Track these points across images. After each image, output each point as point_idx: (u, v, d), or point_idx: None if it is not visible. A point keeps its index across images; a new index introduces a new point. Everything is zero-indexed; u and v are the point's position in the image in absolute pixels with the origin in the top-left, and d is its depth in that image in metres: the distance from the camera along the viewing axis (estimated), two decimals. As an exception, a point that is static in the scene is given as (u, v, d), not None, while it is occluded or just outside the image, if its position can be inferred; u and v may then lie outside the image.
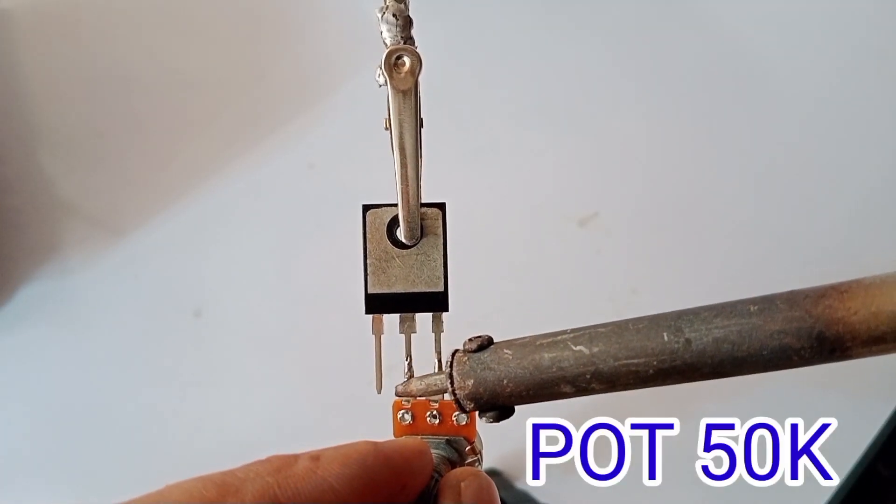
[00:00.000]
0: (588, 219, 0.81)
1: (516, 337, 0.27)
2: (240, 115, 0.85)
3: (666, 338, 0.23)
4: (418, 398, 0.28)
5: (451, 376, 0.27)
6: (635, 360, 0.24)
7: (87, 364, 0.79)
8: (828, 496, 0.62)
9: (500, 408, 0.27)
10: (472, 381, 0.26)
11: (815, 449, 0.72)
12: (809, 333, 0.22)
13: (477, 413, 0.27)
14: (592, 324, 0.26)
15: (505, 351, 0.26)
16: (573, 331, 0.26)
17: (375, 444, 0.22)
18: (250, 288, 0.81)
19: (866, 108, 0.84)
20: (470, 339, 0.27)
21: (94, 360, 0.79)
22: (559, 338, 0.25)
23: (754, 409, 0.76)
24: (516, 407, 0.27)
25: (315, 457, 0.21)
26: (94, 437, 0.77)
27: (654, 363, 0.23)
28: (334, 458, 0.21)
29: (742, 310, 0.23)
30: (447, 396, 0.27)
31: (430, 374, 0.28)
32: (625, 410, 0.76)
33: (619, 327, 0.25)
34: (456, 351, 0.27)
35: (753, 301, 0.23)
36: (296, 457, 0.21)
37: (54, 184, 0.83)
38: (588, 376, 0.25)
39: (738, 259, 0.78)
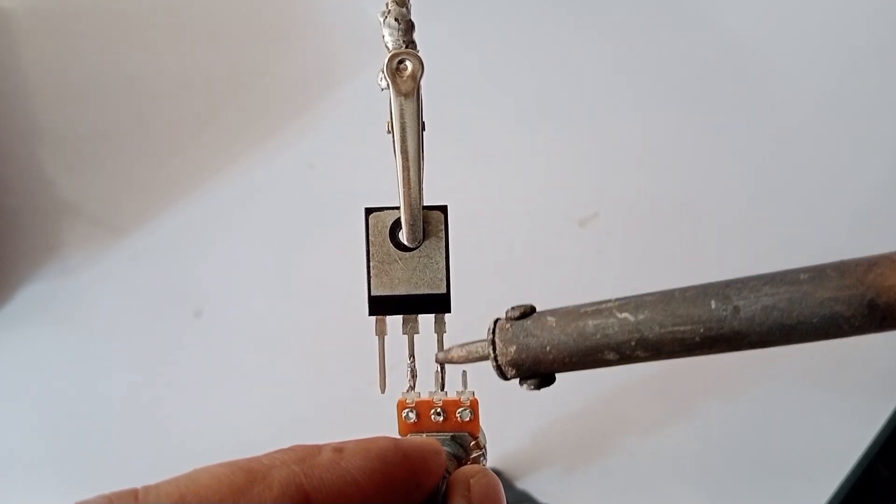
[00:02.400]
0: (588, 219, 0.81)
1: (559, 307, 0.27)
2: (240, 115, 0.85)
3: (714, 305, 0.23)
4: (459, 363, 0.28)
5: (493, 343, 0.27)
6: (681, 328, 0.24)
7: (87, 364, 0.79)
8: (828, 496, 0.62)
9: (541, 375, 0.27)
10: (514, 347, 0.26)
11: (814, 449, 0.73)
12: (861, 301, 0.22)
13: (518, 381, 0.27)
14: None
15: (548, 318, 0.26)
16: (618, 299, 0.25)
17: (395, 440, 0.22)
18: (250, 288, 0.81)
19: (866, 107, 0.84)
20: (512, 308, 0.27)
21: (95, 360, 0.79)
22: (604, 306, 0.25)
23: (755, 408, 0.76)
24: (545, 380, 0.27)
25: (338, 448, 0.21)
26: (94, 437, 0.77)
27: (701, 330, 0.24)
28: (356, 450, 0.21)
29: (792, 278, 0.22)
30: (489, 364, 0.27)
31: (472, 342, 0.28)
32: (627, 410, 0.76)
33: (666, 295, 0.25)
34: (498, 319, 0.27)
35: (804, 270, 0.23)
36: (319, 447, 0.21)
37: (54, 184, 0.83)
38: (633, 343, 0.25)
39: (739, 258, 0.78)
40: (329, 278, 0.79)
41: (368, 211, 0.29)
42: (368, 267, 0.29)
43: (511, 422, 0.75)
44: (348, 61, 0.86)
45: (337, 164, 0.83)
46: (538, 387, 0.27)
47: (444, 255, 0.29)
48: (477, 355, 0.28)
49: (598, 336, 0.25)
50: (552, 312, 0.26)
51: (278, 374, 0.78)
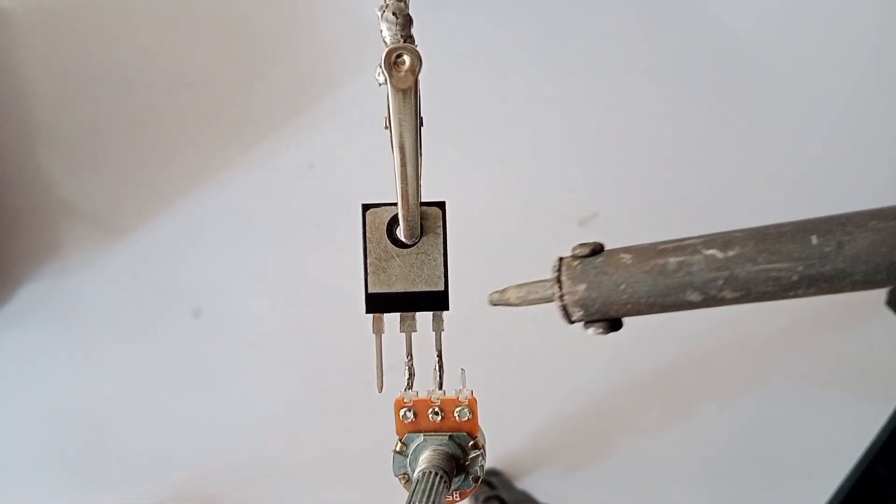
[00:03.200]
0: (588, 219, 0.81)
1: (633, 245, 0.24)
2: (240, 115, 0.85)
3: (815, 241, 0.21)
4: (516, 305, 0.26)
5: (558, 281, 0.24)
6: (777, 265, 0.22)
7: (86, 364, 0.79)
8: (828, 496, 0.62)
9: (609, 319, 0.25)
10: (584, 285, 0.24)
11: (814, 449, 0.73)
12: None
13: (583, 325, 0.25)
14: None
15: (622, 255, 0.24)
16: (701, 236, 0.23)
17: None
18: (250, 288, 0.81)
19: (869, 106, 0.84)
20: (581, 244, 0.25)
21: (94, 360, 0.79)
22: (686, 242, 0.23)
23: (755, 408, 0.76)
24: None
25: None
26: (93, 437, 0.77)
27: (800, 268, 0.21)
28: None
29: None
30: (554, 305, 0.24)
31: (533, 281, 0.26)
32: (627, 410, 0.76)
33: (758, 231, 0.22)
34: (563, 257, 0.25)
35: None
36: None
37: (54, 184, 0.83)
38: (720, 282, 0.22)
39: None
40: (329, 278, 0.79)
41: (365, 207, 0.29)
42: (365, 264, 0.29)
43: (511, 422, 0.75)
44: (348, 61, 0.86)
45: (337, 164, 0.83)
46: (606, 331, 0.25)
47: (442, 252, 0.29)
48: (537, 296, 0.25)
49: (681, 274, 0.23)
50: (626, 250, 0.24)
51: (278, 374, 0.78)
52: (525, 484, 0.73)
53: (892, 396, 0.69)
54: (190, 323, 0.79)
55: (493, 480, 0.70)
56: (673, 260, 0.23)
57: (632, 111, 0.85)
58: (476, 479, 0.29)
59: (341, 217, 0.78)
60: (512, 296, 0.26)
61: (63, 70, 0.86)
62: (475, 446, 0.29)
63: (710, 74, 0.86)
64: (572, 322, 0.25)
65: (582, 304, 0.24)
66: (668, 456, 0.75)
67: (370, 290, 0.29)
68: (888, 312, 0.74)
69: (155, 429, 0.77)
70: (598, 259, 0.24)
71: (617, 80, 0.86)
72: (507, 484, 0.72)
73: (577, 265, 0.25)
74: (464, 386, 0.29)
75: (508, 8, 0.89)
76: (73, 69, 0.86)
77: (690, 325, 0.76)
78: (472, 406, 0.29)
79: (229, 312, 0.80)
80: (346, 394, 0.75)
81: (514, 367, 0.77)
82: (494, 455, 0.74)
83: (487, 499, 0.67)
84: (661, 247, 0.24)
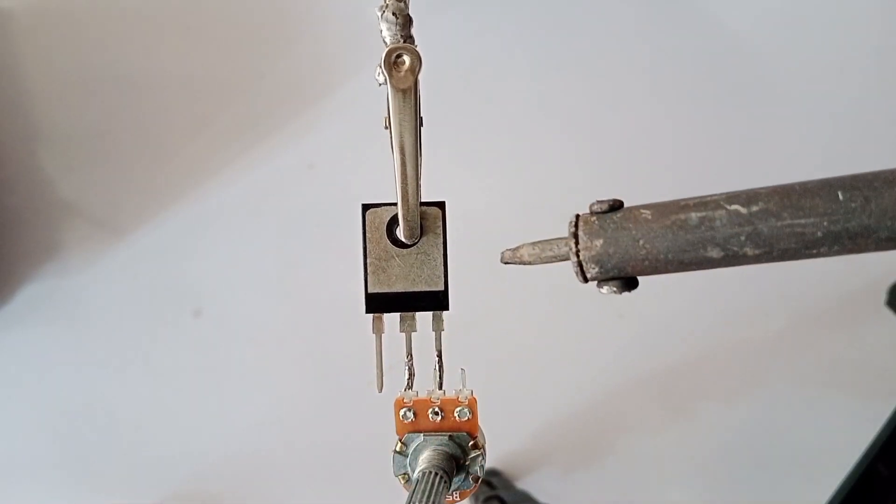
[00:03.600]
0: (588, 219, 0.80)
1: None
2: (240, 116, 0.85)
3: (841, 196, 0.20)
4: (530, 263, 0.25)
5: (575, 236, 0.24)
6: (802, 221, 0.21)
7: (86, 364, 0.79)
8: (828, 496, 0.62)
9: (625, 277, 0.24)
10: (601, 241, 0.23)
11: (814, 449, 0.73)
12: None
13: (597, 284, 0.24)
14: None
15: (642, 211, 0.23)
16: (724, 193, 0.23)
17: None
18: (250, 288, 0.81)
19: (870, 106, 0.84)
20: (598, 201, 0.24)
21: (94, 360, 0.79)
22: (709, 198, 0.23)
23: (755, 408, 0.76)
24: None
25: None
26: (93, 437, 0.77)
27: (825, 224, 0.21)
28: None
29: None
30: (570, 262, 0.23)
31: (547, 239, 0.25)
32: (627, 410, 0.76)
33: (783, 187, 0.22)
34: (579, 214, 0.24)
35: None
36: None
37: (54, 184, 0.83)
38: (743, 238, 0.22)
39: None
40: (329, 278, 0.79)
41: (365, 207, 0.29)
42: (365, 264, 0.29)
43: (511, 421, 0.75)
44: (348, 61, 0.86)
45: (337, 164, 0.83)
46: (621, 290, 0.24)
47: (441, 252, 0.29)
48: (552, 254, 0.25)
49: (703, 229, 0.22)
50: (646, 206, 0.23)
51: (278, 374, 0.78)
52: (525, 484, 0.73)
53: (892, 396, 0.69)
54: (190, 323, 0.79)
55: (493, 480, 0.70)
56: (695, 215, 0.23)
57: (632, 111, 0.85)
58: (476, 479, 0.29)
59: (341, 217, 0.78)
60: (525, 253, 0.26)
61: (63, 70, 0.86)
62: (475, 446, 0.29)
63: (710, 74, 0.86)
64: (587, 280, 0.24)
65: (598, 260, 0.24)
66: (668, 456, 0.75)
67: (370, 290, 0.29)
68: (888, 312, 0.74)
69: (155, 429, 0.77)
70: (617, 214, 0.24)
71: (617, 80, 0.86)
72: (507, 484, 0.72)
73: (594, 220, 0.24)
74: (464, 386, 0.29)
75: (508, 8, 0.89)
76: (73, 69, 0.86)
77: (690, 324, 0.76)
78: (471, 406, 0.29)
79: (229, 312, 0.80)
80: (346, 394, 0.75)
81: (514, 367, 0.77)
82: (494, 455, 0.74)
83: (487, 499, 0.67)
84: (683, 202, 0.23)
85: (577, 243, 0.24)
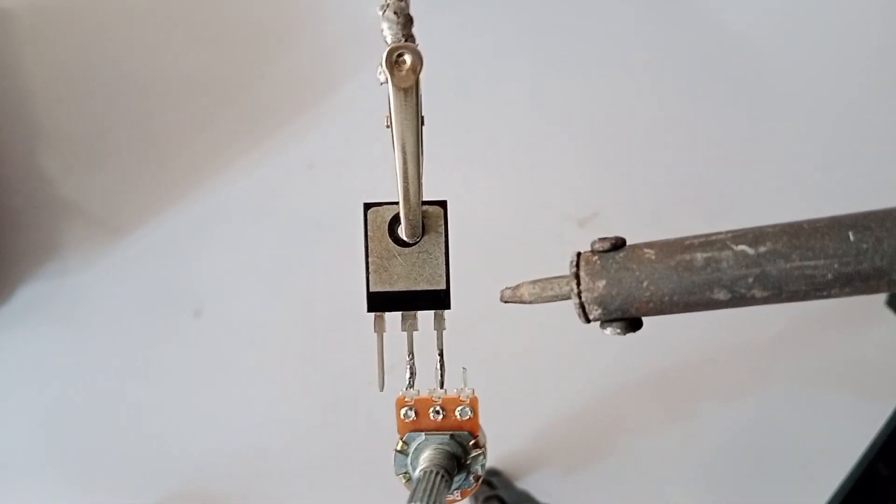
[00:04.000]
0: (588, 219, 0.81)
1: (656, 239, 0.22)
2: (240, 115, 0.85)
3: (852, 237, 0.20)
4: (530, 302, 0.25)
5: (577, 276, 0.23)
6: (812, 263, 0.20)
7: (86, 364, 0.79)
8: (828, 496, 0.62)
9: (629, 318, 0.23)
10: (603, 282, 0.23)
11: (814, 449, 0.73)
12: None
13: (600, 324, 0.24)
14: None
15: (645, 250, 0.23)
16: (730, 231, 0.22)
17: None
18: (250, 288, 0.80)
19: (870, 106, 0.84)
20: (601, 239, 0.24)
21: (94, 360, 0.79)
22: (714, 237, 0.22)
23: (755, 408, 0.76)
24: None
25: None
26: (93, 437, 0.77)
27: (836, 266, 0.20)
28: None
29: None
30: (572, 302, 0.23)
31: (547, 278, 0.24)
32: (627, 410, 0.76)
33: (792, 227, 0.21)
34: (580, 252, 0.24)
35: None
36: None
37: (54, 184, 0.83)
38: (750, 280, 0.21)
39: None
40: (329, 277, 0.79)
41: (367, 206, 0.29)
42: (367, 263, 0.29)
43: (511, 421, 0.75)
44: (348, 61, 0.86)
45: (337, 164, 0.83)
46: (625, 331, 0.23)
47: (443, 251, 0.29)
48: (553, 293, 0.24)
49: (709, 270, 0.21)
50: (649, 244, 0.23)
51: (278, 374, 0.78)
52: (525, 484, 0.73)
53: (892, 396, 0.69)
54: (190, 323, 0.79)
55: (493, 480, 0.70)
56: (700, 256, 0.22)
57: (632, 111, 0.85)
58: (477, 478, 0.29)
59: (342, 217, 0.78)
60: (525, 292, 0.25)
61: (63, 70, 0.86)
62: (476, 445, 0.29)
63: (711, 75, 0.86)
64: (590, 321, 0.24)
65: (601, 301, 0.23)
66: (668, 456, 0.75)
67: (371, 289, 0.29)
68: (888, 313, 0.74)
69: (155, 428, 0.77)
70: (620, 254, 0.23)
71: (617, 81, 0.86)
72: (507, 484, 0.72)
73: (596, 260, 0.23)
74: (465, 385, 0.29)
75: (509, 8, 0.89)
76: (73, 69, 0.86)
77: (690, 325, 0.76)
78: (473, 405, 0.29)
79: (229, 312, 0.80)
80: (346, 393, 0.75)
81: (515, 366, 0.77)
82: (494, 455, 0.74)
83: (487, 499, 0.67)
84: (688, 242, 0.23)
85: (578, 284, 0.23)
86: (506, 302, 0.26)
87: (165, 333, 0.79)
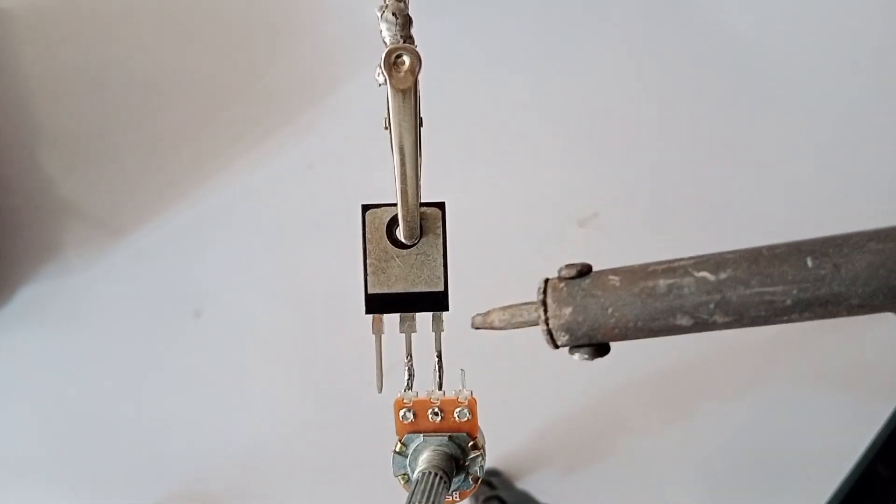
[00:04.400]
0: (588, 219, 0.81)
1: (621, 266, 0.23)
2: (240, 115, 0.85)
3: (810, 263, 0.20)
4: (500, 328, 0.25)
5: (544, 303, 0.24)
6: (771, 289, 0.21)
7: (86, 364, 0.79)
8: (828, 496, 0.62)
9: (596, 344, 0.24)
10: (569, 309, 0.23)
11: (814, 449, 0.73)
12: None
13: (569, 350, 0.24)
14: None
15: (610, 277, 0.23)
16: (692, 257, 0.22)
17: None
18: (250, 288, 0.80)
19: (870, 106, 0.84)
20: (567, 265, 0.24)
21: (94, 361, 0.79)
22: (677, 264, 0.22)
23: (754, 408, 0.76)
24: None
25: None
26: (93, 437, 0.77)
27: (794, 292, 0.20)
28: None
29: None
30: (539, 329, 0.23)
31: (516, 304, 0.25)
32: (627, 410, 0.76)
33: (751, 253, 0.22)
34: (548, 279, 0.24)
35: None
36: None
37: (54, 184, 0.83)
38: (712, 306, 0.21)
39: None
40: (329, 278, 0.79)
41: (365, 207, 0.29)
42: (365, 264, 0.29)
43: (511, 422, 0.75)
44: (348, 61, 0.86)
45: (337, 164, 0.83)
46: (592, 357, 0.24)
47: (441, 253, 0.29)
48: (522, 320, 0.24)
49: (671, 297, 0.22)
50: (614, 271, 0.23)
51: (278, 374, 0.78)
52: (525, 484, 0.73)
53: (892, 396, 0.69)
54: (190, 323, 0.79)
55: (493, 480, 0.70)
56: (663, 282, 0.22)
57: (632, 111, 0.85)
58: (476, 480, 0.29)
59: (341, 217, 0.78)
60: (496, 319, 0.25)
61: (63, 70, 0.86)
62: (475, 447, 0.29)
63: (710, 75, 0.86)
64: (558, 347, 0.24)
65: (568, 328, 0.24)
66: (668, 456, 0.75)
67: (370, 291, 0.29)
68: (888, 312, 0.74)
69: (155, 429, 0.77)
70: (586, 281, 0.24)
71: (617, 81, 0.86)
72: (507, 484, 0.72)
73: (563, 287, 0.24)
74: (463, 386, 0.29)
75: (508, 9, 0.89)
76: (73, 69, 0.86)
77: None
78: (471, 406, 0.29)
79: (229, 312, 0.80)
80: (346, 394, 0.75)
81: (514, 367, 0.77)
82: (494, 455, 0.74)
83: (487, 499, 0.67)
84: (651, 268, 0.23)
85: (545, 311, 0.24)
86: (476, 328, 0.26)
87: (165, 333, 0.79)
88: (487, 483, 0.69)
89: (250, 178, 0.83)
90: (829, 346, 0.77)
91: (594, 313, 0.23)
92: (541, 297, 0.24)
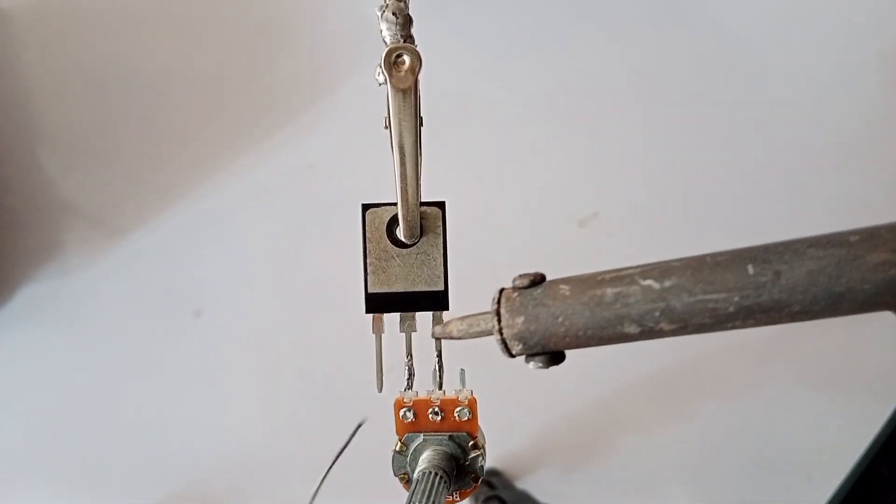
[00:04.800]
0: (588, 219, 0.81)
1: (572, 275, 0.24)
2: (240, 115, 0.85)
3: (751, 270, 0.21)
4: (459, 338, 0.26)
5: (497, 313, 0.24)
6: (713, 296, 0.21)
7: (86, 364, 0.79)
8: (828, 496, 0.62)
9: (550, 352, 0.24)
10: (521, 318, 0.23)
11: (814, 449, 0.73)
12: None
13: (525, 358, 0.25)
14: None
15: (561, 286, 0.23)
16: (641, 266, 0.23)
17: None
18: (250, 288, 0.80)
19: (869, 106, 0.84)
20: (521, 275, 0.24)
21: (94, 360, 0.79)
22: (625, 272, 0.23)
23: (754, 408, 0.76)
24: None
25: None
26: (93, 437, 0.77)
27: (736, 299, 0.21)
28: None
29: (840, 239, 0.20)
30: (494, 338, 0.24)
31: (473, 314, 0.25)
32: (627, 410, 0.76)
33: (696, 261, 0.22)
34: (503, 288, 0.25)
35: (853, 232, 0.20)
36: None
37: (54, 184, 0.83)
38: (657, 314, 0.22)
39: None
40: (329, 278, 0.79)
41: (365, 207, 0.29)
42: (365, 264, 0.29)
43: (511, 421, 0.75)
44: (348, 61, 0.86)
45: (337, 164, 0.83)
46: (546, 365, 0.24)
47: (441, 252, 0.29)
48: (479, 329, 0.25)
49: (618, 305, 0.22)
50: (565, 281, 0.23)
51: (278, 374, 0.78)
52: (525, 484, 0.73)
53: (892, 396, 0.69)
54: (190, 323, 0.79)
55: (493, 480, 0.70)
56: (610, 291, 0.22)
57: (632, 111, 0.85)
58: (476, 479, 0.29)
59: (341, 217, 0.78)
60: (454, 329, 0.26)
61: (63, 70, 0.86)
62: (475, 446, 0.29)
63: (711, 75, 0.86)
64: (513, 356, 0.25)
65: (520, 337, 0.24)
66: (667, 456, 0.75)
67: (370, 290, 0.29)
68: (888, 312, 0.74)
69: (155, 429, 0.77)
70: (538, 290, 0.24)
71: (617, 81, 0.86)
72: (507, 484, 0.72)
73: (516, 297, 0.24)
74: (464, 386, 0.29)
75: (508, 9, 0.89)
76: (72, 69, 0.86)
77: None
78: (471, 406, 0.29)
79: (229, 312, 0.80)
80: (345, 394, 0.75)
81: (514, 367, 0.77)
82: (494, 455, 0.74)
83: (487, 499, 0.67)
84: (600, 277, 0.23)
85: (499, 321, 0.24)
86: (436, 338, 0.27)
87: (165, 333, 0.79)
88: (487, 483, 0.69)
89: (250, 178, 0.83)
90: (828, 346, 0.77)
91: (545, 322, 0.23)
92: (495, 307, 0.24)
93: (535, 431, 0.76)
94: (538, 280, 0.24)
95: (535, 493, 0.70)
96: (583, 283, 0.23)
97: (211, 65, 0.87)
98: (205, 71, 0.87)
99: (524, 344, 0.24)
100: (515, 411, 0.75)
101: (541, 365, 0.24)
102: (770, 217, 0.80)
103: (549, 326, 0.23)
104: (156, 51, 0.87)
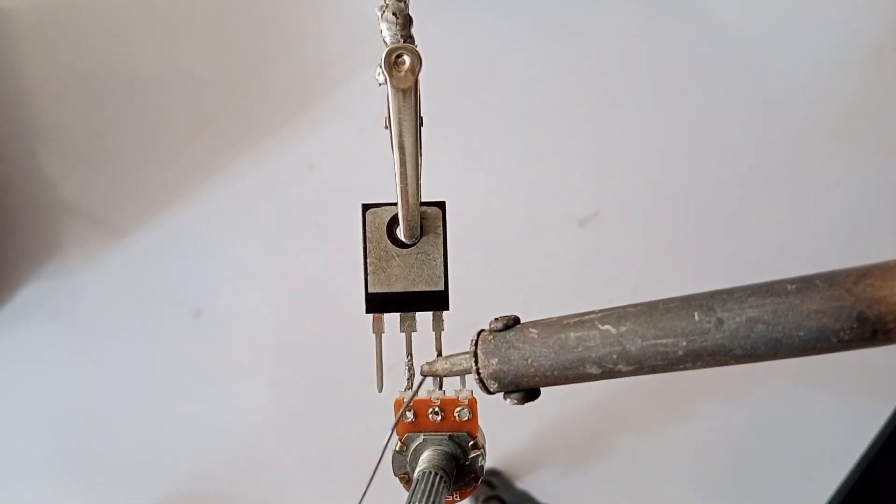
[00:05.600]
0: (588, 219, 0.81)
1: (543, 318, 0.26)
2: (240, 115, 0.85)
3: (697, 317, 0.22)
4: (443, 376, 0.28)
5: (475, 355, 0.26)
6: (664, 341, 0.22)
7: (87, 364, 0.79)
8: (828, 496, 0.62)
9: (524, 389, 0.26)
10: (496, 359, 0.26)
11: (814, 449, 0.73)
12: (849, 314, 0.21)
13: (503, 395, 0.27)
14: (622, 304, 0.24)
15: (530, 330, 0.25)
16: (602, 311, 0.24)
17: None
18: (250, 288, 0.80)
19: (867, 106, 0.84)
20: (496, 319, 0.26)
21: (94, 360, 0.79)
22: (587, 317, 0.24)
23: (754, 408, 0.76)
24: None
25: None
26: (93, 437, 0.77)
27: (684, 343, 0.22)
28: None
29: (779, 289, 0.21)
30: (472, 377, 0.26)
31: (456, 354, 0.27)
32: (627, 410, 0.76)
33: (650, 307, 0.23)
34: (482, 330, 0.27)
35: (791, 280, 0.21)
36: None
37: (54, 184, 0.83)
38: (615, 356, 0.23)
39: (740, 258, 0.78)
40: (329, 278, 0.79)
41: (366, 207, 0.29)
42: (365, 264, 0.29)
43: (510, 421, 0.75)
44: (348, 61, 0.86)
45: (337, 164, 0.83)
46: (522, 401, 0.26)
47: (441, 252, 0.29)
48: (460, 368, 0.27)
49: (580, 349, 0.24)
50: (535, 324, 0.26)
51: (277, 374, 0.78)
52: (525, 484, 0.73)
53: (892, 396, 0.69)
54: (190, 323, 0.79)
55: (493, 480, 0.70)
56: (573, 335, 0.24)
57: (632, 111, 0.85)
58: (476, 479, 0.29)
59: (341, 217, 0.78)
60: (439, 367, 0.28)
61: (63, 70, 0.86)
62: (475, 446, 0.29)
63: (711, 75, 0.86)
64: (491, 393, 0.27)
65: (496, 377, 0.26)
66: (667, 456, 0.75)
67: (370, 290, 0.29)
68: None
69: (154, 429, 0.77)
70: (510, 333, 0.26)
71: (617, 81, 0.86)
72: (507, 484, 0.72)
73: (491, 339, 0.26)
74: (464, 386, 0.29)
75: (509, 8, 0.89)
76: (73, 69, 0.86)
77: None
78: (472, 406, 0.29)
79: (229, 312, 0.80)
80: (346, 394, 0.75)
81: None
82: (494, 455, 0.74)
83: (487, 499, 0.67)
84: (565, 321, 0.25)
85: (476, 361, 0.26)
86: (424, 376, 0.28)
87: (165, 333, 0.79)
88: (487, 483, 0.69)
89: (250, 178, 0.83)
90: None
91: (517, 363, 0.25)
92: (472, 348, 0.26)
93: (535, 431, 0.76)
94: (510, 323, 0.26)
95: (535, 493, 0.70)
96: (549, 327, 0.25)
97: (211, 65, 0.87)
98: (205, 71, 0.87)
99: (499, 382, 0.26)
100: (515, 411, 0.75)
101: (516, 401, 0.26)
102: (770, 217, 0.80)
103: (520, 367, 0.25)
104: (156, 51, 0.87)
